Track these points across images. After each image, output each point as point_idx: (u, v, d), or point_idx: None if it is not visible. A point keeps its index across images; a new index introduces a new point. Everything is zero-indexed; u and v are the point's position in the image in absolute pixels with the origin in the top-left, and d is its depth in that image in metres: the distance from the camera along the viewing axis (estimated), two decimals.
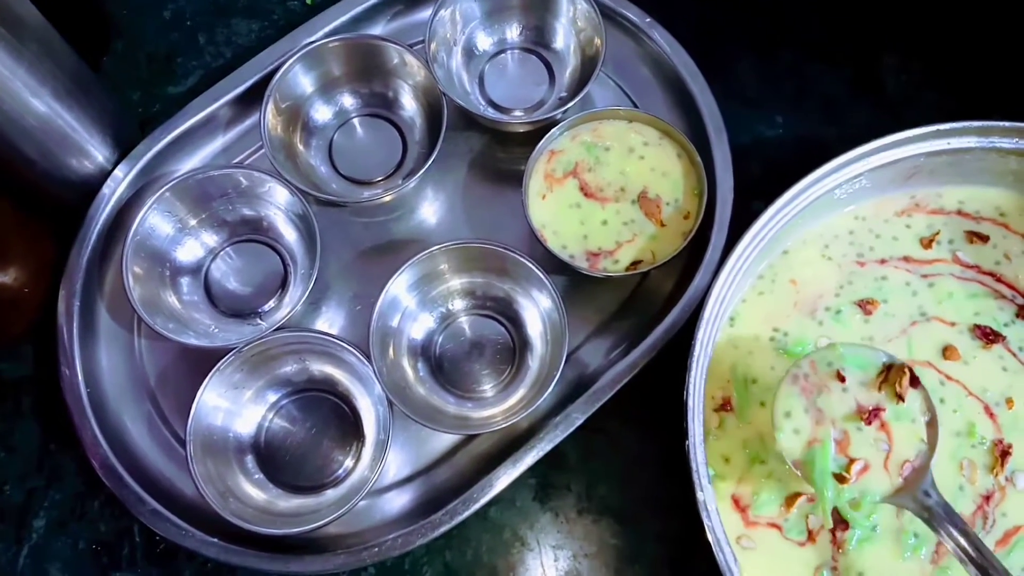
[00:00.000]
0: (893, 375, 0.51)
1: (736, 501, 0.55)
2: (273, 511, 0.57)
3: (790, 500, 0.55)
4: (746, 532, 0.54)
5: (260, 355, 0.57)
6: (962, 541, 0.48)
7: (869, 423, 0.51)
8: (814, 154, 0.62)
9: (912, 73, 0.69)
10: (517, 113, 0.67)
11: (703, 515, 0.49)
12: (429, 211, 0.66)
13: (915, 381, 0.51)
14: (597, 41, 0.63)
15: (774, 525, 0.54)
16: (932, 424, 0.51)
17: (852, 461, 0.50)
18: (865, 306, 0.58)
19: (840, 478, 0.50)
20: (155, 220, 0.59)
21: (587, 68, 0.65)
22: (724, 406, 0.56)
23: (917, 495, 0.49)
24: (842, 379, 0.51)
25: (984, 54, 0.69)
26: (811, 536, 0.54)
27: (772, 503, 0.55)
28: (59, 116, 0.58)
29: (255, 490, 0.57)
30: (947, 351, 0.58)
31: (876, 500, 0.50)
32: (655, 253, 0.60)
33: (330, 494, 0.58)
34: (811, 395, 0.51)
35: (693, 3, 0.71)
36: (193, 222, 0.61)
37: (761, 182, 0.64)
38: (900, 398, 0.51)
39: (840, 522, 0.54)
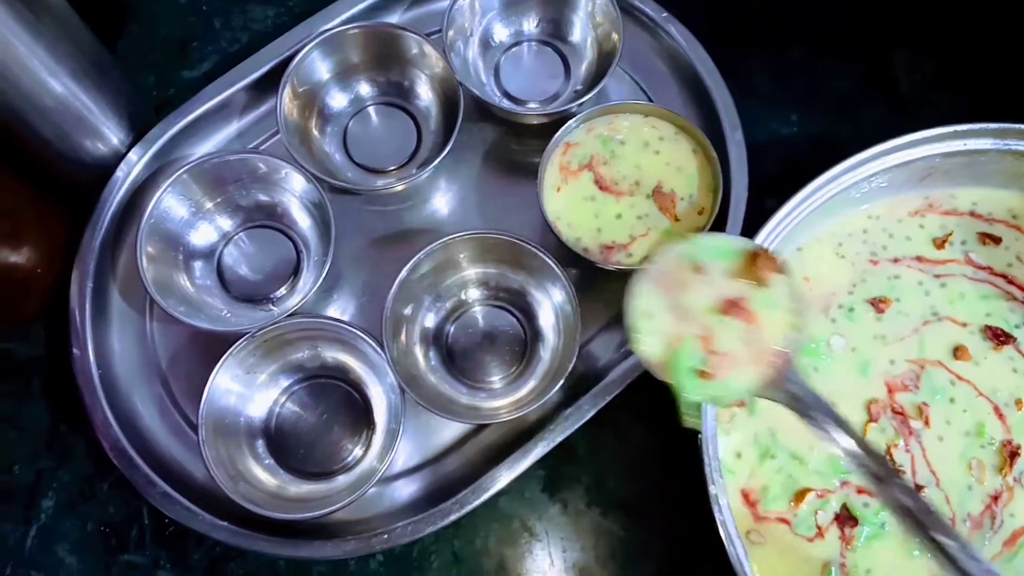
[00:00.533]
0: (754, 262, 0.49)
1: (746, 496, 0.55)
2: (283, 496, 0.57)
3: (800, 495, 0.55)
4: (755, 527, 0.54)
5: (273, 340, 0.57)
6: (829, 428, 0.45)
7: (731, 314, 0.48)
8: (827, 152, 0.62)
9: (925, 72, 0.69)
10: (532, 105, 0.67)
11: (715, 509, 0.50)
12: (442, 201, 0.66)
13: (778, 267, 0.49)
14: (615, 36, 0.63)
15: (783, 520, 0.55)
16: (800, 310, 0.48)
17: (716, 356, 0.47)
18: (878, 304, 0.58)
19: (703, 375, 0.47)
20: (170, 203, 0.59)
21: (603, 62, 0.65)
22: (736, 401, 0.57)
23: (784, 384, 0.47)
24: (703, 273, 0.49)
25: (996, 54, 0.69)
26: (820, 532, 0.54)
27: (782, 498, 0.55)
28: (76, 97, 0.57)
29: (266, 475, 0.57)
30: (958, 351, 0.58)
31: (742, 395, 0.48)
32: None
33: (340, 481, 0.58)
34: (672, 292, 0.49)
35: None
36: (208, 206, 0.61)
37: (774, 179, 0.64)
38: (763, 286, 0.48)
39: (849, 518, 0.55)
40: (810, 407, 0.46)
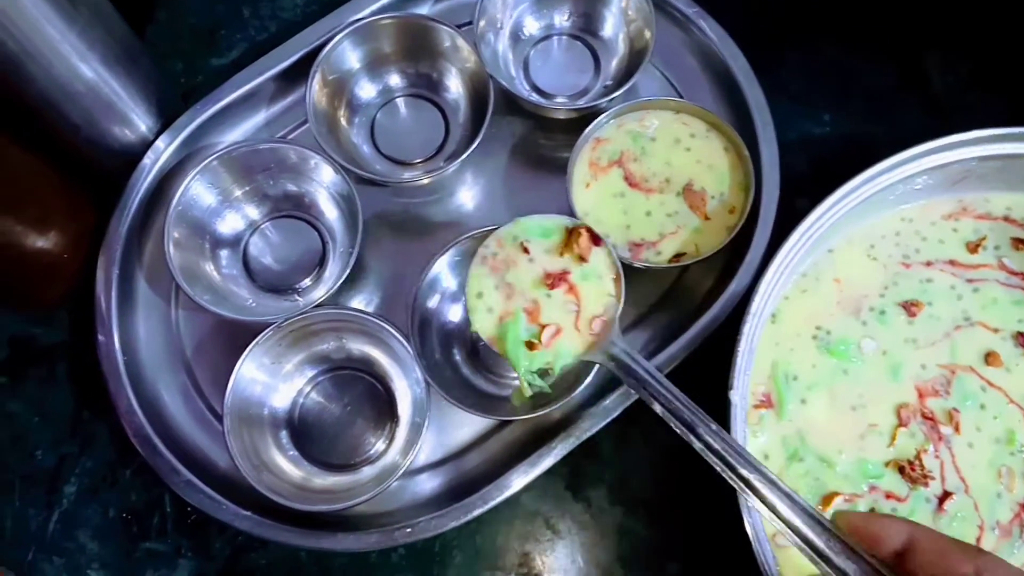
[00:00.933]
0: (573, 238, 0.54)
1: None
2: (307, 487, 0.57)
3: (827, 499, 0.54)
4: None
5: (300, 331, 0.57)
6: (647, 384, 0.50)
7: (555, 287, 0.53)
8: (858, 152, 0.61)
9: (959, 73, 0.68)
10: (560, 99, 0.66)
11: (743, 511, 0.49)
12: (468, 195, 0.66)
13: (596, 240, 0.54)
14: (647, 33, 0.62)
15: None
16: (618, 279, 0.54)
17: (543, 327, 0.53)
18: (910, 308, 0.58)
19: (530, 345, 0.52)
20: (198, 190, 0.59)
21: (635, 59, 0.64)
22: (764, 403, 0.56)
23: (607, 348, 0.51)
24: (527, 251, 0.54)
25: None
26: None
27: (809, 502, 0.54)
28: (106, 83, 0.57)
29: (290, 466, 0.57)
30: (989, 357, 0.57)
31: (569, 361, 0.52)
32: (699, 246, 0.59)
33: (363, 473, 0.58)
34: (500, 272, 0.54)
35: None
36: (236, 194, 0.61)
37: (805, 178, 0.63)
38: (583, 259, 0.54)
39: None
40: (632, 371, 0.50)
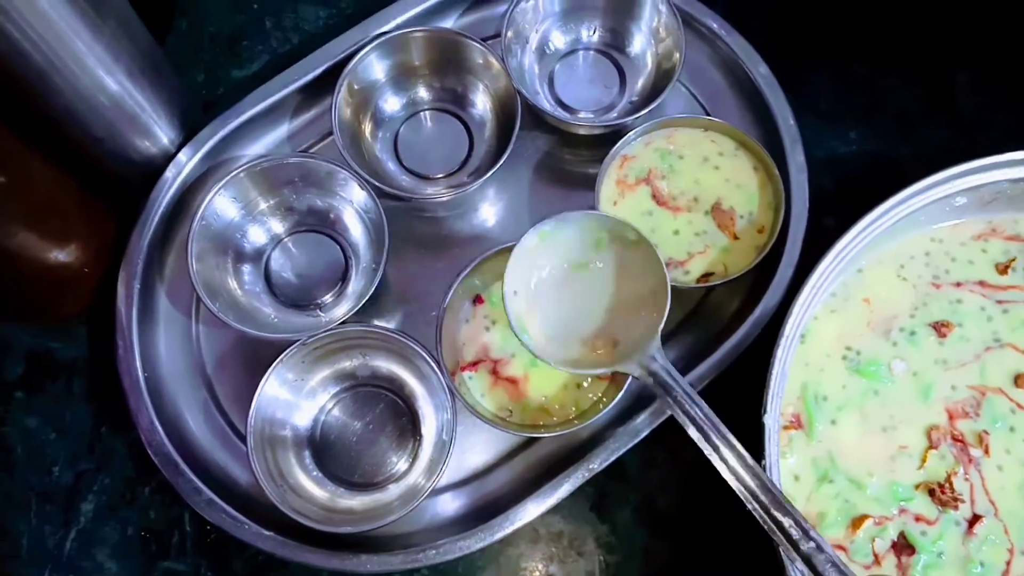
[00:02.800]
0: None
1: None
2: (332, 508, 0.56)
3: (856, 522, 0.54)
4: None
5: (325, 348, 0.57)
6: (685, 406, 0.49)
7: None
8: (885, 171, 0.62)
9: (986, 94, 0.68)
10: (585, 115, 0.66)
11: (774, 536, 0.48)
12: (491, 211, 0.65)
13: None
14: (676, 54, 0.62)
15: (840, 547, 0.54)
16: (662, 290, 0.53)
17: None
18: (940, 328, 0.57)
19: None
20: (222, 204, 0.58)
21: (662, 77, 0.64)
22: (793, 423, 0.56)
23: (646, 361, 0.51)
24: None
25: None
26: (877, 559, 0.53)
27: (838, 524, 0.54)
28: (130, 95, 0.57)
29: (313, 486, 0.57)
30: (1019, 379, 0.57)
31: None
32: (727, 266, 0.59)
33: (388, 492, 0.57)
34: None
35: (768, 11, 0.70)
36: (260, 207, 0.61)
37: (832, 197, 0.63)
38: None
39: (906, 547, 0.54)
40: (670, 389, 0.50)
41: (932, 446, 0.56)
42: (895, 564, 0.53)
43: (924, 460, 0.55)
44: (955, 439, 0.56)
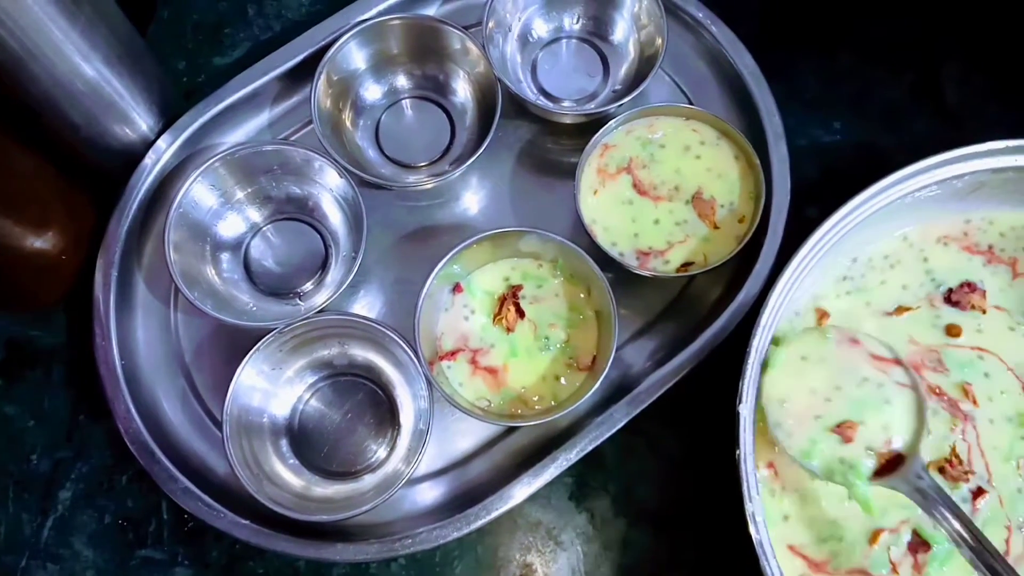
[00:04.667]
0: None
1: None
2: (308, 497, 0.56)
3: (873, 537, 0.54)
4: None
5: (301, 337, 0.56)
6: (955, 524, 0.47)
7: None
8: (870, 160, 0.61)
9: (974, 84, 0.68)
10: (568, 104, 0.65)
11: (751, 528, 0.48)
12: (474, 199, 0.65)
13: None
14: (658, 39, 0.61)
15: (860, 571, 0.53)
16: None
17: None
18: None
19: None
20: (200, 192, 0.58)
21: (645, 64, 0.63)
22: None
23: (913, 481, 0.49)
24: None
25: None
26: (894, 568, 0.53)
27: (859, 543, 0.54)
28: (108, 82, 0.56)
29: (290, 474, 0.56)
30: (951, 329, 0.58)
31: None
32: (707, 256, 0.58)
33: (365, 481, 0.57)
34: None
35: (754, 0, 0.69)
36: (238, 196, 0.60)
37: (814, 186, 0.63)
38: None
39: (921, 544, 0.53)
40: (936, 503, 0.48)
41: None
42: (911, 565, 0.53)
43: None
44: (937, 393, 0.56)
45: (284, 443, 0.58)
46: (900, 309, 0.58)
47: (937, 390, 0.56)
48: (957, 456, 0.55)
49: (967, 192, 0.58)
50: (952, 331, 0.58)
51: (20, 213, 0.56)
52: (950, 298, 0.58)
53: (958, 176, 0.56)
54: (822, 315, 0.58)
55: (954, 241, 0.60)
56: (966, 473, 0.54)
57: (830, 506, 0.54)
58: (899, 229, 0.59)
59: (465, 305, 0.59)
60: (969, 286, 0.58)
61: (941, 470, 0.55)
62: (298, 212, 0.62)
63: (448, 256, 0.56)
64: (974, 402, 0.56)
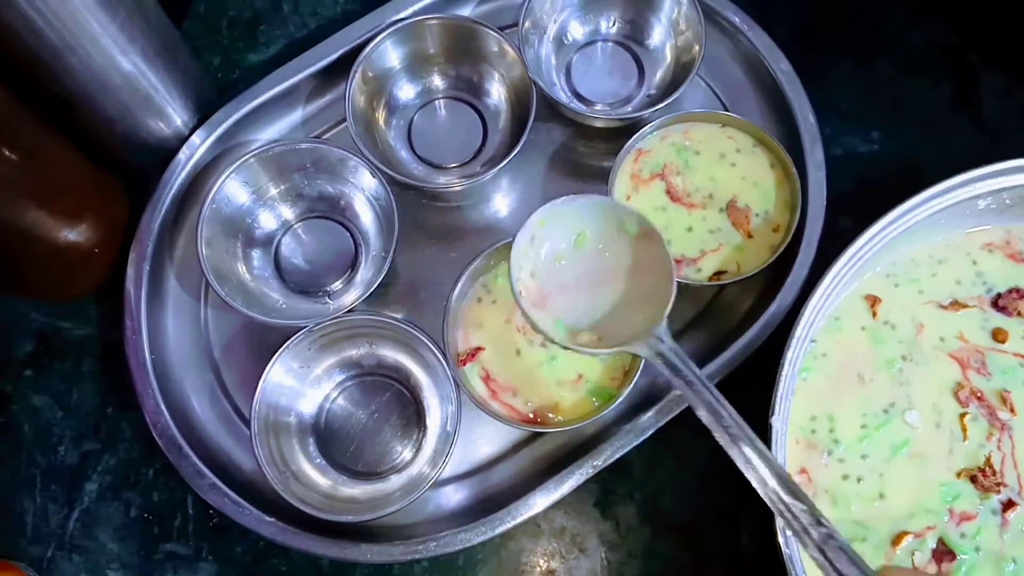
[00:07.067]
0: None
1: None
2: (335, 496, 0.56)
3: (896, 539, 0.53)
4: None
5: (331, 336, 0.56)
6: (696, 386, 0.47)
7: None
8: (909, 173, 0.60)
9: (1013, 98, 0.67)
10: (601, 107, 0.65)
11: (779, 536, 0.48)
12: (504, 202, 0.65)
13: None
14: (696, 47, 0.61)
15: None
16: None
17: None
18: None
19: None
20: (233, 188, 0.58)
21: (681, 70, 0.62)
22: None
23: (654, 344, 0.48)
24: None
25: None
26: None
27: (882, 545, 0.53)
28: (144, 76, 0.56)
29: (317, 474, 0.56)
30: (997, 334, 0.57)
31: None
32: (740, 265, 0.58)
33: (390, 482, 0.57)
34: None
35: (792, 6, 0.68)
36: (271, 193, 0.60)
37: (850, 197, 0.62)
38: None
39: (946, 553, 0.53)
40: (680, 371, 0.47)
41: (963, 404, 0.55)
42: (935, 574, 0.53)
43: (964, 429, 0.55)
44: (977, 397, 0.55)
45: (311, 442, 0.57)
46: (956, 304, 0.57)
47: (979, 394, 0.55)
48: (991, 466, 0.54)
49: (1008, 207, 0.57)
50: (999, 336, 0.57)
51: (54, 204, 0.56)
52: (997, 303, 0.57)
53: (996, 191, 0.56)
54: (874, 301, 0.57)
55: (998, 249, 0.59)
56: (998, 484, 0.54)
57: (859, 508, 0.54)
58: (937, 238, 0.58)
59: (494, 304, 0.59)
60: (1018, 292, 0.57)
61: (973, 479, 0.54)
62: (330, 211, 0.62)
63: (476, 258, 0.56)
64: (1012, 411, 0.55)
